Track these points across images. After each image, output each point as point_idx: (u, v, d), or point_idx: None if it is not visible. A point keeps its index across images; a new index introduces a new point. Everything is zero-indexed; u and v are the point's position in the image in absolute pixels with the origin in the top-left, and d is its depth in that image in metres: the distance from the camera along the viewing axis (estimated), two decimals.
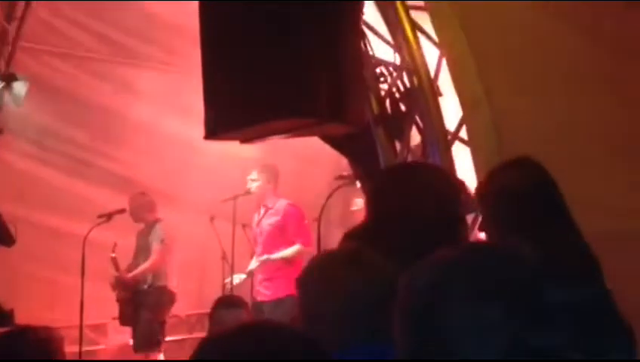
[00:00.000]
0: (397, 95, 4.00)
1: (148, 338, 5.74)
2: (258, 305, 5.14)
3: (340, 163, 5.21)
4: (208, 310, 3.85)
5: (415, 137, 3.99)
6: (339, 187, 4.95)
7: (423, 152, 3.85)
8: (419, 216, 1.77)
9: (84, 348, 5.75)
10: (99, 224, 5.64)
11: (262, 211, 5.55)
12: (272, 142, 4.25)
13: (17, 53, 6.10)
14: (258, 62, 3.04)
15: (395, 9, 3.87)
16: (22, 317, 4.77)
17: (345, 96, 3.13)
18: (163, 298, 5.89)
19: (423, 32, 3.88)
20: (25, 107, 5.85)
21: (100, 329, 6.66)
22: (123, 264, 5.91)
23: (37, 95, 5.96)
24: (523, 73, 3.33)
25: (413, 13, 3.88)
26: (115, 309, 5.89)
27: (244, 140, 3.50)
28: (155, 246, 5.91)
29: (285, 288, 4.94)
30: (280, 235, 5.39)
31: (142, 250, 6.00)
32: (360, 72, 3.43)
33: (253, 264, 5.44)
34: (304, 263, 5.51)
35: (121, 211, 5.85)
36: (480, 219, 2.03)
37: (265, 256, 5.35)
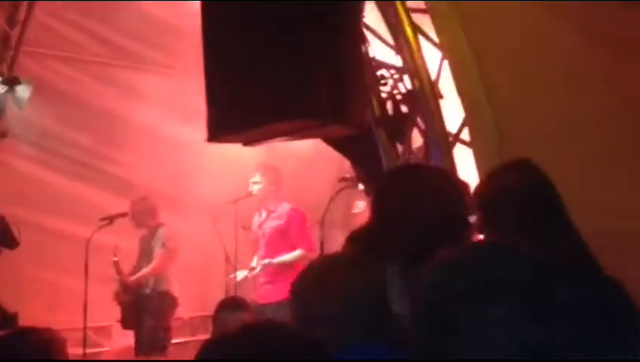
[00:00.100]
0: (398, 97, 4.01)
1: (152, 344, 5.74)
2: (260, 308, 5.15)
3: (343, 165, 5.22)
4: (212, 312, 3.85)
5: (417, 139, 4.00)
6: (341, 189, 4.95)
7: (425, 154, 3.85)
8: (421, 218, 1.78)
9: (88, 351, 5.77)
10: (101, 227, 5.65)
11: (263, 214, 5.56)
12: (275, 144, 4.27)
13: (20, 56, 6.11)
14: (260, 64, 3.05)
15: (396, 11, 3.88)
16: (25, 320, 4.79)
17: (346, 98, 3.13)
18: (165, 302, 5.90)
19: (424, 34, 3.88)
20: (28, 111, 5.87)
21: (103, 331, 6.67)
22: (126, 266, 5.93)
23: (40, 99, 5.98)
24: (524, 74, 3.33)
25: (414, 16, 3.89)
26: (118, 311, 5.90)
27: (247, 143, 3.51)
28: (157, 250, 5.92)
29: (287, 291, 4.93)
30: (282, 239, 5.41)
31: (145, 255, 6.01)
32: (361, 74, 3.44)
33: (255, 262, 5.46)
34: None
35: (124, 214, 5.87)
36: (478, 220, 2.03)
37: (267, 260, 5.38)
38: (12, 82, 5.72)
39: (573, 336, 0.95)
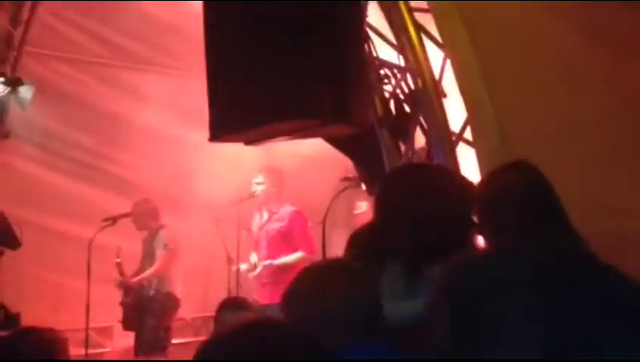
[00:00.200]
0: (401, 96, 3.99)
1: (152, 344, 5.75)
2: (262, 309, 5.15)
3: (346, 166, 5.22)
4: (214, 313, 3.85)
5: (420, 138, 3.99)
6: (344, 189, 4.94)
7: (428, 153, 3.84)
8: (423, 217, 1.77)
9: (90, 351, 5.77)
10: (104, 227, 5.66)
11: (265, 215, 5.56)
12: (277, 145, 4.26)
13: (23, 57, 6.12)
14: (261, 64, 3.04)
15: (399, 11, 3.87)
16: (28, 320, 4.79)
17: (349, 98, 3.12)
18: (168, 304, 5.90)
19: (427, 34, 3.87)
20: (30, 111, 5.87)
21: (105, 331, 6.68)
22: (129, 267, 5.92)
23: (42, 99, 5.99)
24: (526, 74, 3.32)
25: (417, 15, 3.88)
26: (120, 312, 5.90)
27: (249, 142, 3.50)
28: (159, 252, 5.92)
29: None
30: (284, 241, 5.42)
31: (147, 257, 6.01)
32: (364, 73, 3.43)
33: (254, 258, 5.46)
34: None
35: (127, 215, 5.87)
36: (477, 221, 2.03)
37: (268, 261, 5.38)
38: (15, 83, 5.73)
39: (597, 335, 0.94)
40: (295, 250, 5.40)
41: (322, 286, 1.51)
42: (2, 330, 4.44)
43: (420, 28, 3.87)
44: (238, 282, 5.57)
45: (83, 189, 6.55)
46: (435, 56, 3.89)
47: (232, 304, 3.79)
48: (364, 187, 4.51)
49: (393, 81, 4.01)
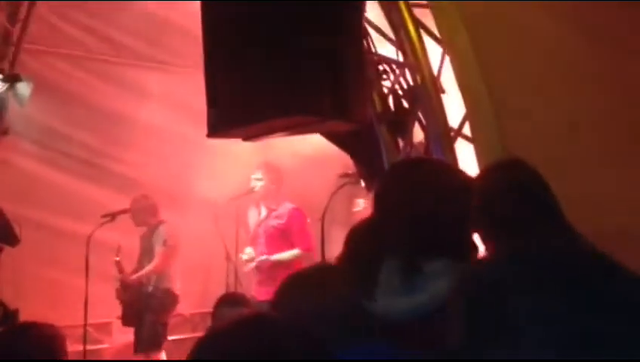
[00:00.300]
0: (400, 92, 3.99)
1: (151, 340, 5.76)
2: (260, 304, 5.15)
3: (346, 165, 5.21)
4: (212, 309, 3.85)
5: (418, 134, 3.98)
6: (343, 185, 4.93)
7: (426, 149, 3.83)
8: (420, 212, 1.76)
9: (89, 347, 5.77)
10: (103, 224, 5.65)
11: (263, 211, 5.57)
12: (276, 142, 4.25)
13: (21, 54, 6.11)
14: (260, 60, 3.04)
15: (398, 6, 3.86)
16: (26, 317, 4.77)
17: (347, 94, 3.12)
18: (167, 300, 5.90)
19: (426, 29, 3.86)
20: (29, 108, 5.86)
21: (104, 328, 6.67)
22: (127, 264, 5.92)
23: (41, 96, 5.97)
24: (525, 71, 3.32)
25: (416, 11, 3.87)
26: (119, 308, 5.91)
27: (247, 138, 3.50)
28: (158, 248, 5.92)
29: None
30: (282, 238, 5.44)
31: (146, 253, 6.01)
32: (362, 69, 3.42)
33: (250, 251, 5.46)
34: (303, 265, 5.55)
35: (125, 211, 5.87)
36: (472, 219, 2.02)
37: (264, 256, 5.38)
38: (13, 79, 5.72)
39: (623, 329, 0.94)
40: (293, 248, 5.41)
41: (313, 284, 1.50)
42: (1, 326, 4.44)
43: (418, 23, 3.87)
44: (236, 278, 5.57)
45: (82, 186, 6.55)
46: (434, 51, 3.88)
47: (230, 300, 3.79)
48: (363, 183, 4.51)
49: (392, 77, 4.00)
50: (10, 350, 2.30)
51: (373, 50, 4.05)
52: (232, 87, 3.14)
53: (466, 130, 3.70)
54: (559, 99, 3.23)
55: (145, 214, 6.01)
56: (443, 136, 3.74)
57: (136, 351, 5.83)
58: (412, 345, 1.47)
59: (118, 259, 5.78)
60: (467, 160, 3.62)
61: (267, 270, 5.36)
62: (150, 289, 5.87)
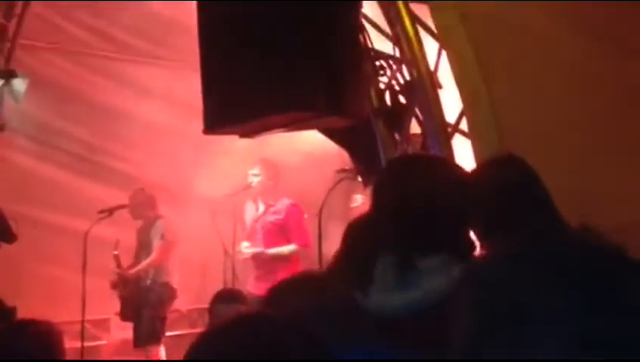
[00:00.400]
0: (397, 88, 3.99)
1: (150, 334, 5.76)
2: (256, 300, 5.15)
3: (343, 162, 5.22)
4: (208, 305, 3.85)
5: (415, 129, 3.98)
6: (340, 180, 4.94)
7: (423, 145, 3.84)
8: (414, 209, 1.76)
9: (87, 344, 5.77)
10: (100, 219, 5.65)
11: (261, 207, 5.57)
12: (275, 138, 4.25)
13: (17, 49, 6.09)
14: (255, 59, 3.04)
15: (395, 2, 3.86)
16: (24, 314, 4.77)
17: (344, 89, 3.12)
18: (165, 294, 5.90)
19: (423, 25, 3.86)
20: (25, 104, 5.84)
21: (102, 324, 6.67)
22: (125, 259, 5.92)
23: (36, 92, 5.96)
24: (523, 68, 3.32)
25: (413, 6, 3.87)
26: (117, 305, 5.90)
27: (243, 134, 3.50)
28: (157, 242, 5.91)
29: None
30: (279, 234, 5.44)
31: (143, 247, 6.00)
32: (359, 65, 3.42)
33: (246, 244, 5.46)
34: (300, 261, 5.51)
35: (123, 206, 5.86)
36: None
37: (260, 249, 5.39)
38: (8, 75, 5.69)
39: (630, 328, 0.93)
40: (290, 243, 5.42)
41: (309, 282, 1.51)
42: None
43: (415, 19, 3.86)
44: (234, 274, 5.57)
45: (78, 182, 6.54)
46: (431, 47, 3.88)
47: (226, 296, 3.79)
48: (360, 179, 4.51)
49: (389, 73, 4.00)
50: (8, 347, 2.30)
51: (370, 45, 4.05)
52: (228, 84, 3.14)
53: (463, 125, 3.70)
54: (558, 98, 3.22)
55: (143, 208, 6.01)
56: (440, 131, 3.75)
57: (135, 345, 5.83)
58: (406, 341, 1.47)
59: (116, 252, 5.78)
60: (464, 155, 3.62)
61: (265, 265, 5.37)
62: (148, 282, 5.87)
